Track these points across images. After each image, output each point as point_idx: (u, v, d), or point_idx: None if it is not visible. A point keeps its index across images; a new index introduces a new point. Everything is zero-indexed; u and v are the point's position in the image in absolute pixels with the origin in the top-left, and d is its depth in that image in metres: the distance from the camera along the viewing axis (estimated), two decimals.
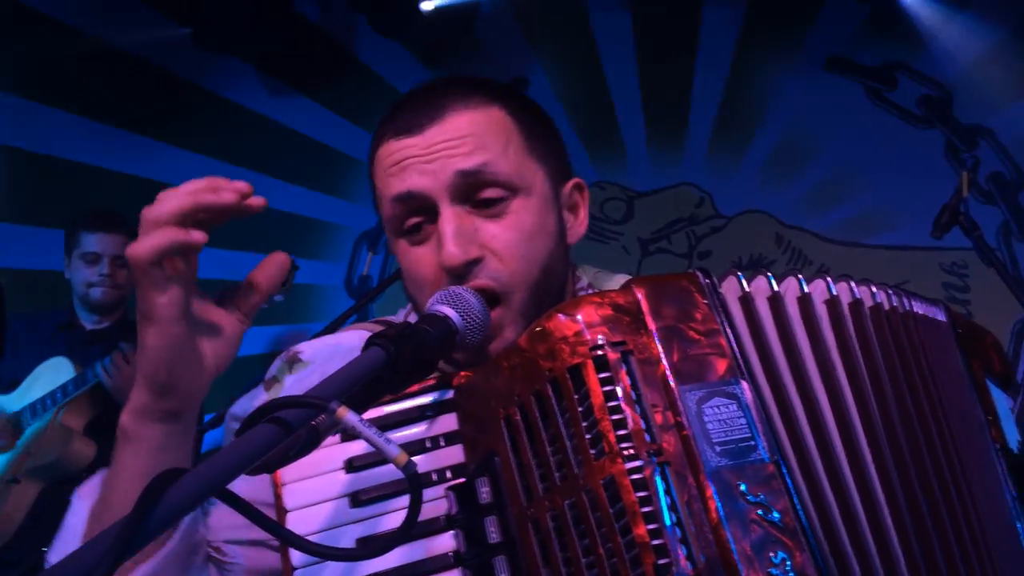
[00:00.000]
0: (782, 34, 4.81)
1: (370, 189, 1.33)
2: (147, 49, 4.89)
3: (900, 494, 0.98)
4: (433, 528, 1.01)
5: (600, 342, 0.92)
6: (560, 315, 0.96)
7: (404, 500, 1.01)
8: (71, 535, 1.06)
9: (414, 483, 0.85)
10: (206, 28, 4.64)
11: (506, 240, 1.19)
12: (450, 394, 1.07)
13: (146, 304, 0.99)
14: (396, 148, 1.23)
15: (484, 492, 1.00)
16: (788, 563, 0.82)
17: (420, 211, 1.21)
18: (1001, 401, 1.24)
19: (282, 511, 1.03)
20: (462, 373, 1.08)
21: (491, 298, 1.16)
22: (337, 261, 5.25)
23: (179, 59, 4.93)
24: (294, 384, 1.28)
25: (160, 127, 4.94)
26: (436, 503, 1.02)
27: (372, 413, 1.05)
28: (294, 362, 1.33)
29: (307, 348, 1.34)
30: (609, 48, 5.03)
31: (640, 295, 0.96)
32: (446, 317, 1.06)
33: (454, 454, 1.05)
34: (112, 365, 3.17)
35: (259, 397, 1.30)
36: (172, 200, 1.00)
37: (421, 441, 1.06)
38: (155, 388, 1.01)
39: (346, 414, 0.82)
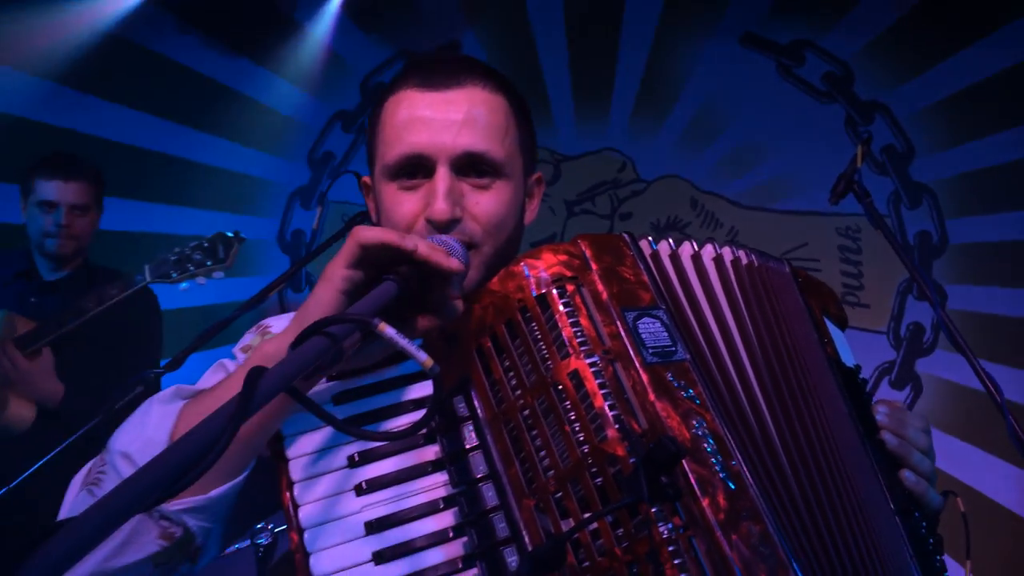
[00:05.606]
0: (702, 10, 4.98)
1: (369, 118, 1.50)
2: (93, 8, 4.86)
3: (766, 378, 1.30)
4: (419, 442, 1.24)
5: (559, 277, 1.19)
6: (525, 260, 1.22)
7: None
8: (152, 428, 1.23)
9: (437, 385, 1.03)
10: None
11: (485, 208, 1.41)
12: (420, 341, 1.26)
13: (331, 270, 1.17)
14: (415, 100, 1.40)
15: (461, 407, 1.23)
16: (705, 425, 1.12)
17: (419, 166, 1.40)
18: (837, 334, 1.59)
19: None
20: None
21: (465, 245, 1.37)
22: (270, 216, 5.36)
23: (121, 17, 4.93)
24: None
25: (99, 83, 4.93)
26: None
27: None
28: (264, 334, 1.51)
29: (275, 322, 1.53)
30: (540, 19, 5.16)
31: (584, 246, 1.23)
32: None
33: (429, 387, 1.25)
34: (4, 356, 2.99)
35: (233, 362, 1.45)
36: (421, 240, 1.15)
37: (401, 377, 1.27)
38: None
39: (386, 328, 1.02)
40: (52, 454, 2.78)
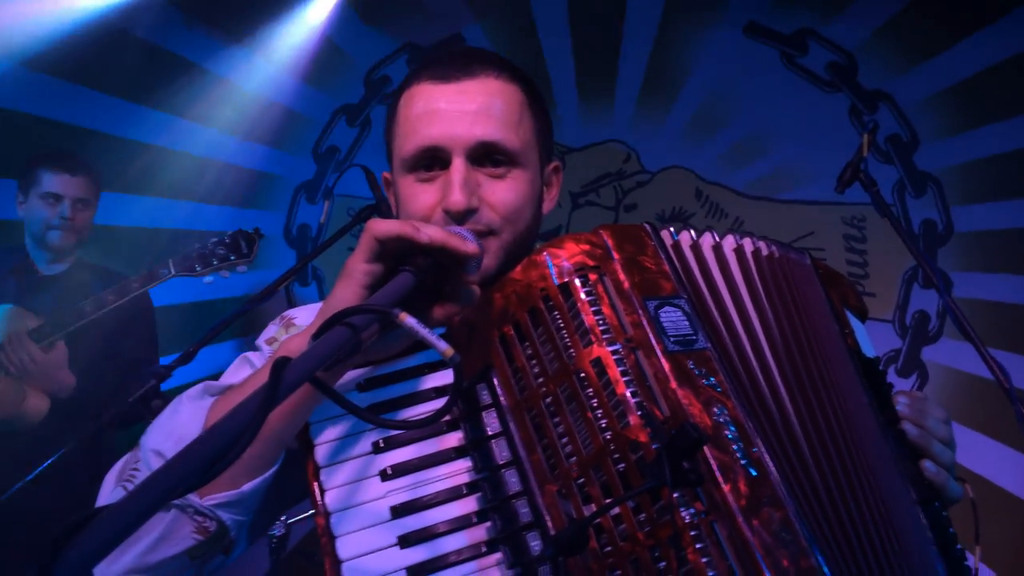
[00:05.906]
0: (705, 1, 4.97)
1: (386, 115, 1.52)
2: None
3: (787, 367, 1.30)
4: (443, 429, 1.25)
5: (582, 266, 1.20)
6: (548, 250, 1.22)
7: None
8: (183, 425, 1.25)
9: (457, 373, 1.05)
10: None
11: (502, 197, 1.42)
12: (442, 330, 1.29)
13: (351, 265, 1.17)
14: (429, 93, 1.42)
15: (483, 395, 1.25)
16: (726, 413, 1.13)
17: (435, 158, 1.42)
18: (858, 325, 1.59)
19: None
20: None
21: (483, 233, 1.41)
22: (276, 211, 5.36)
23: (119, 8, 4.90)
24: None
25: (98, 76, 4.89)
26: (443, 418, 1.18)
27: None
28: (289, 326, 1.52)
29: (298, 313, 1.54)
30: (543, 11, 5.16)
31: (606, 236, 1.24)
32: None
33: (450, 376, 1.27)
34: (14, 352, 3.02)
35: (258, 354, 1.47)
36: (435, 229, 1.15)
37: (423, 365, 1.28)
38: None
39: (406, 318, 1.04)
40: (62, 452, 2.81)
